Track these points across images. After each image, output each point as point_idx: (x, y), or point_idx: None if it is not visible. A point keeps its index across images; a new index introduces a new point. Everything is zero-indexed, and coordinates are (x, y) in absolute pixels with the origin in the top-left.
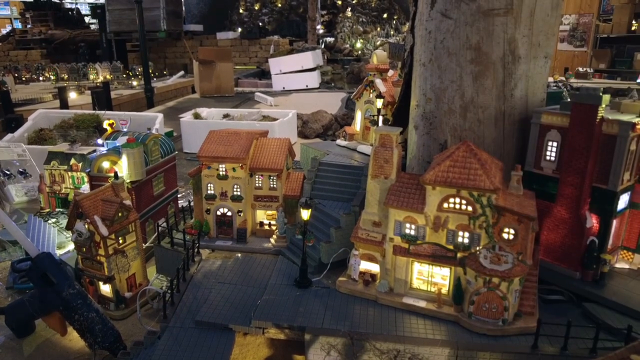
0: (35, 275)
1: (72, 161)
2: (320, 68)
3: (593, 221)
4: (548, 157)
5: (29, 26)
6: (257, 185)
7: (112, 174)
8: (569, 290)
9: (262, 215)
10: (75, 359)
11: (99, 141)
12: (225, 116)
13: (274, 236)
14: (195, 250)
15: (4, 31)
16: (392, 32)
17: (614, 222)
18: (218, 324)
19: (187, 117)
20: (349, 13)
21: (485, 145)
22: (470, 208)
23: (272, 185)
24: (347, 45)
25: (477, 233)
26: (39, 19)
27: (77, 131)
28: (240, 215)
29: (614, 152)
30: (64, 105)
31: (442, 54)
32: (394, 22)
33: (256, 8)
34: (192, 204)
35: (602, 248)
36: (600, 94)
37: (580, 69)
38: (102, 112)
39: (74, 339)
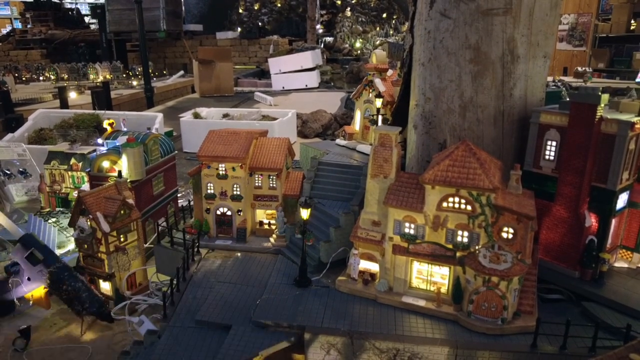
0: (23, 254)
1: (72, 161)
2: (320, 68)
3: (592, 220)
4: (547, 157)
5: (29, 26)
6: (256, 184)
7: (112, 174)
8: (568, 290)
9: (261, 215)
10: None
11: (99, 141)
12: (225, 116)
13: (274, 235)
14: (195, 249)
15: (4, 31)
16: (391, 32)
17: (613, 221)
18: (218, 323)
19: (186, 116)
20: (348, 13)
21: (484, 145)
22: (469, 207)
23: (271, 185)
24: (347, 45)
25: (476, 232)
26: (39, 19)
27: (77, 131)
28: (239, 215)
29: (612, 151)
30: (64, 105)
31: (441, 54)
32: (393, 21)
33: (256, 8)
34: (191, 203)
35: (601, 247)
36: (599, 93)
37: (579, 69)
38: (102, 111)
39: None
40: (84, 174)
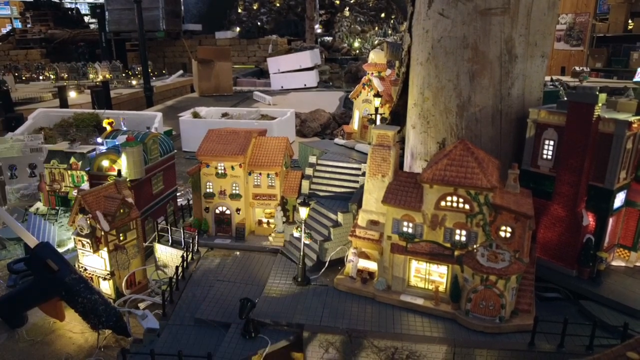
0: (36, 265)
1: (72, 160)
2: (319, 67)
3: (589, 219)
4: (545, 156)
5: (28, 26)
6: (255, 183)
7: (112, 173)
8: (566, 288)
9: (260, 214)
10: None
11: (99, 140)
12: (224, 115)
13: (273, 234)
14: (194, 248)
15: (4, 31)
16: (389, 32)
17: (610, 220)
18: (218, 322)
19: (186, 116)
20: (347, 12)
21: (482, 144)
22: (467, 206)
23: (270, 184)
24: (345, 45)
25: (474, 231)
26: (38, 19)
27: (77, 130)
28: (238, 214)
29: (610, 150)
30: (64, 104)
31: (439, 53)
32: (392, 21)
33: (255, 8)
34: (191, 202)
35: (599, 246)
36: (597, 92)
37: (577, 68)
38: (102, 111)
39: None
40: (83, 173)
